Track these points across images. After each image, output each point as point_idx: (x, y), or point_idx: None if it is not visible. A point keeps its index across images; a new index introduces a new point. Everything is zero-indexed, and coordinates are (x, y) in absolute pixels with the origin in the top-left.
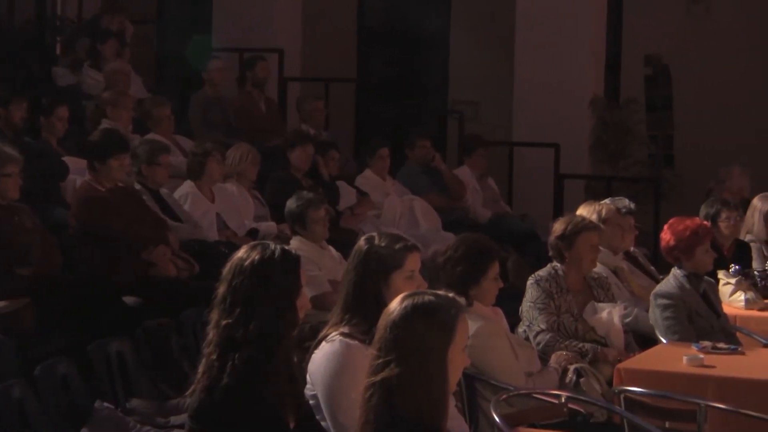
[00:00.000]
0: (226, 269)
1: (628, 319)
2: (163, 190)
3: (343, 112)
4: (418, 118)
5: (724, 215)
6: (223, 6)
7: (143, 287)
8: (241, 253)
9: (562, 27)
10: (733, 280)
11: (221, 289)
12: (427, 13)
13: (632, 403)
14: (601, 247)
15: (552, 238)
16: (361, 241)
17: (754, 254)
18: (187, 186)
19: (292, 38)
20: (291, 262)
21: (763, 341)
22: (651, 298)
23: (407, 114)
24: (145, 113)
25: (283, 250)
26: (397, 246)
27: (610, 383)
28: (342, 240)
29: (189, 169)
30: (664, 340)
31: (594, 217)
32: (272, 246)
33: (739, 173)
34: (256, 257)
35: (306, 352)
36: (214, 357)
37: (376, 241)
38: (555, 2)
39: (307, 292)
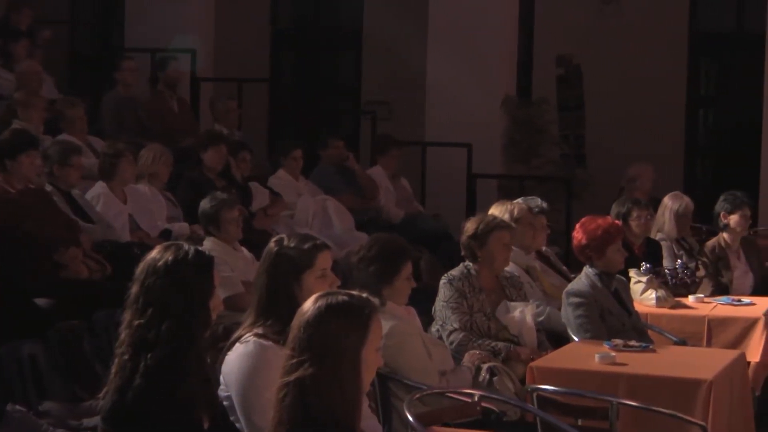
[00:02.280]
0: (139, 269)
1: (540, 318)
2: (75, 192)
3: (256, 113)
4: (331, 118)
5: (635, 214)
6: (135, 6)
7: (55, 289)
8: (154, 253)
9: (474, 27)
10: (644, 279)
11: (134, 289)
12: (340, 13)
13: (545, 401)
14: (513, 247)
15: (464, 238)
16: (272, 243)
17: (665, 252)
18: (99, 187)
19: (205, 38)
20: (204, 263)
21: (674, 339)
22: (563, 296)
23: (320, 114)
24: (56, 114)
25: (197, 251)
26: (307, 246)
27: (522, 382)
28: (255, 241)
29: (101, 169)
30: (576, 339)
31: (506, 217)
32: (186, 247)
33: (650, 172)
34: (170, 258)
35: (220, 353)
36: (126, 357)
37: (286, 242)
38: (468, 2)
39: (220, 293)
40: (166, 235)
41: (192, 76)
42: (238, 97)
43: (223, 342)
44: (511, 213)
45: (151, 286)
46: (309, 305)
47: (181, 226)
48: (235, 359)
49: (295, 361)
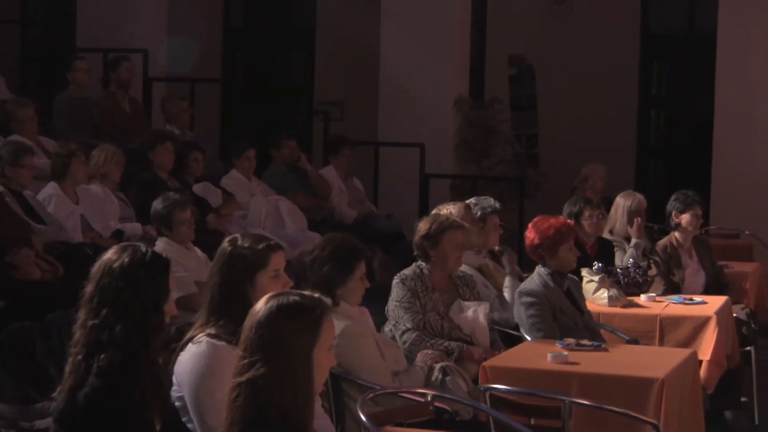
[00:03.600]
0: (95, 269)
1: (493, 314)
2: (27, 192)
3: (208, 113)
4: (283, 118)
5: (587, 213)
6: (87, 6)
7: (7, 290)
8: (110, 253)
9: (426, 27)
10: (596, 278)
11: (89, 289)
12: (292, 13)
13: (498, 400)
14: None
15: (417, 238)
16: (225, 243)
17: (617, 252)
18: (51, 187)
19: (157, 38)
20: (160, 265)
21: (626, 338)
22: (515, 296)
23: (273, 114)
24: (7, 114)
25: (153, 254)
26: (261, 246)
27: (475, 381)
28: (208, 241)
29: (53, 170)
30: (528, 338)
31: (458, 217)
32: (142, 248)
33: (602, 172)
34: (126, 259)
35: (172, 354)
36: (80, 357)
37: (240, 242)
38: (419, 3)
39: (173, 294)
40: (118, 235)
41: (144, 76)
42: (190, 97)
43: (175, 342)
44: (450, 215)
45: (107, 286)
46: (260, 305)
47: (134, 227)
48: (187, 360)
49: (246, 361)
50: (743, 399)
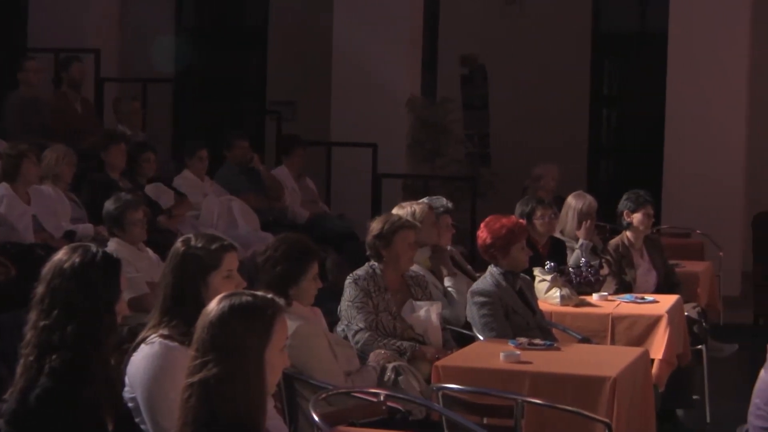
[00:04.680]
0: (46, 269)
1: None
2: None
3: (160, 113)
4: (236, 118)
5: (539, 213)
6: (39, 6)
7: None
8: (61, 254)
9: (378, 27)
10: (548, 277)
11: (40, 290)
12: (244, 13)
13: (450, 400)
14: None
15: (370, 237)
16: (178, 243)
17: (569, 251)
18: (2, 188)
19: (109, 38)
20: (112, 266)
21: (578, 337)
22: (468, 295)
23: (225, 114)
24: None
25: (105, 254)
26: (214, 246)
27: (428, 381)
28: (160, 242)
29: (4, 170)
30: (481, 337)
31: (410, 217)
32: (94, 249)
33: (554, 172)
34: (77, 260)
35: (124, 355)
36: (32, 358)
37: (193, 242)
38: (372, 3)
39: (125, 295)
40: (70, 236)
41: (96, 76)
42: (142, 97)
43: (128, 343)
44: (413, 214)
45: (58, 287)
46: (213, 306)
47: (86, 227)
48: (140, 360)
49: (199, 361)
50: (695, 397)
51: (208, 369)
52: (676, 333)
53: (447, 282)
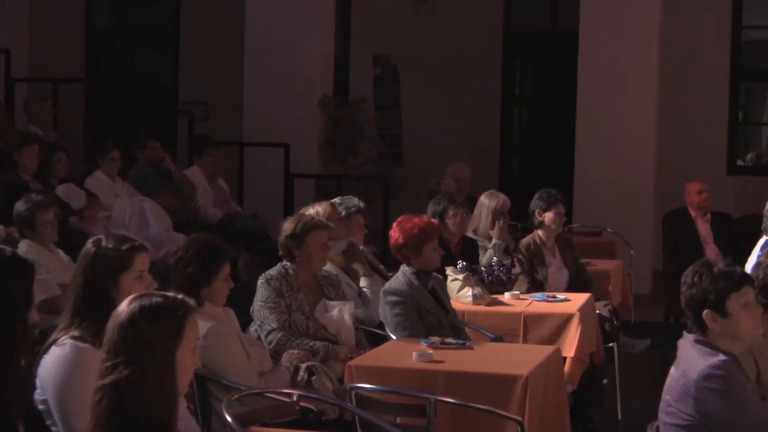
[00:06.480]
0: None
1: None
2: None
3: (72, 113)
4: (148, 118)
5: (451, 212)
6: None
7: None
8: None
9: (290, 27)
10: (460, 276)
11: None
12: (156, 13)
13: (363, 399)
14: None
15: (282, 238)
16: (89, 244)
17: (481, 250)
18: None
19: (19, 38)
20: (25, 270)
21: (491, 336)
22: (381, 295)
23: (137, 114)
24: None
25: (18, 258)
26: (125, 247)
27: (341, 380)
28: (72, 242)
29: None
30: (394, 337)
31: (325, 216)
32: (6, 252)
33: (465, 171)
34: None
35: (35, 357)
36: None
37: (104, 243)
38: (284, 2)
39: (36, 297)
40: None
41: (6, 76)
42: (53, 97)
43: (38, 345)
44: (317, 215)
45: None
46: (124, 307)
47: None
48: (51, 362)
49: (110, 363)
50: (605, 381)
51: (119, 371)
52: (588, 331)
53: (363, 282)
